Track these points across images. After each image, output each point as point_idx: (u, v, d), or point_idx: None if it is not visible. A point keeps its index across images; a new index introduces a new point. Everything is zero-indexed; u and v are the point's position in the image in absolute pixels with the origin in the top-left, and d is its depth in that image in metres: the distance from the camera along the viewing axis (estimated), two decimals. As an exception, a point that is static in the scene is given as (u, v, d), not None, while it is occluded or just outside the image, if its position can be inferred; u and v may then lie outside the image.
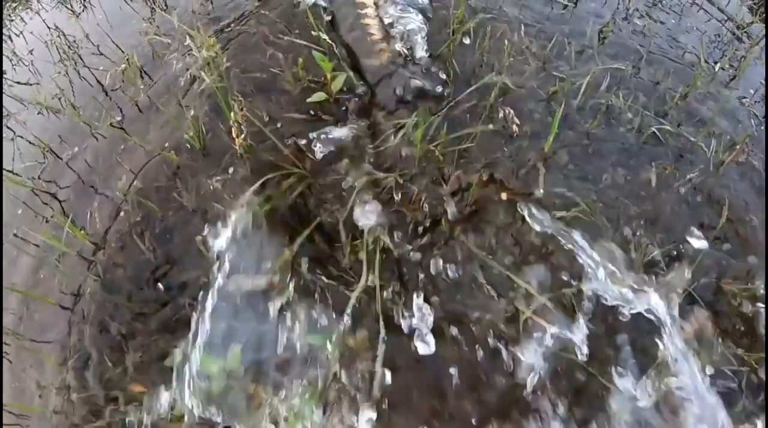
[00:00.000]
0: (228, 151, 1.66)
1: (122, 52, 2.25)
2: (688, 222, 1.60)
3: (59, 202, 1.78)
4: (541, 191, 1.61)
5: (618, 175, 1.72)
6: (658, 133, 1.79)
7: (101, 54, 2.38)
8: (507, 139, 1.76)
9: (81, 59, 2.25)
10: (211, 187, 1.59)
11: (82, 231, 1.64)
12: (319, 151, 1.62)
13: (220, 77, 1.57)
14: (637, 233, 1.55)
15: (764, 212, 1.68)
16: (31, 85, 2.52)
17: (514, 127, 1.76)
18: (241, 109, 1.52)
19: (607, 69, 1.96)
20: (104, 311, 1.51)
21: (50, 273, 1.65)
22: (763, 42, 2.33)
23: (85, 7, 2.92)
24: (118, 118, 1.95)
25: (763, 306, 1.43)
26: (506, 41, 1.99)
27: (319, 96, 1.72)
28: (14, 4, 3.40)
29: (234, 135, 1.52)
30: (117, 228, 1.62)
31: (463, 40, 2.03)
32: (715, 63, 2.21)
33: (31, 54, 2.62)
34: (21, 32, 2.94)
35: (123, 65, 2.07)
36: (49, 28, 2.68)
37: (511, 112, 1.77)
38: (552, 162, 1.72)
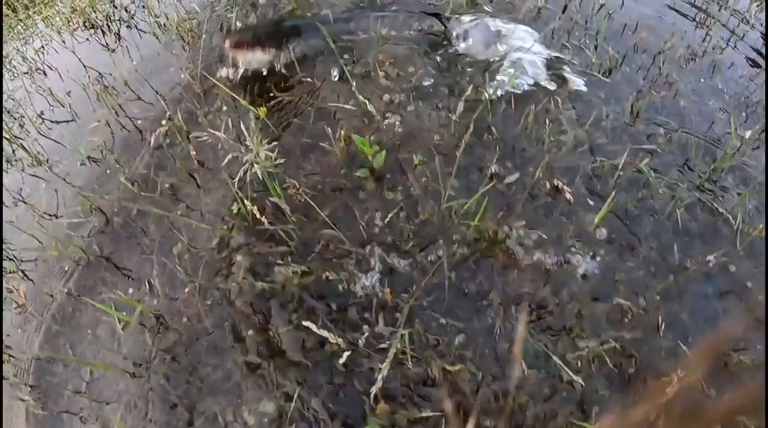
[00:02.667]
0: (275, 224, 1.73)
1: (165, 106, 2.30)
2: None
3: (115, 267, 1.85)
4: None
5: (649, 250, 1.80)
6: (688, 209, 1.85)
7: (139, 98, 2.44)
8: (552, 209, 1.84)
9: (122, 109, 2.29)
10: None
11: (139, 302, 1.71)
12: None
13: (270, 162, 1.63)
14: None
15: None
16: (68, 122, 2.59)
17: (568, 196, 1.82)
18: (296, 189, 1.58)
19: (642, 148, 2.02)
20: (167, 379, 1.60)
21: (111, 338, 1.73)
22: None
23: (119, 41, 2.97)
24: (168, 185, 2.01)
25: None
26: (546, 111, 2.05)
27: (363, 172, 1.79)
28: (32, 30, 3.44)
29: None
30: (177, 296, 1.70)
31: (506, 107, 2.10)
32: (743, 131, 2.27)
33: (69, 96, 2.66)
34: (56, 68, 2.98)
35: (165, 125, 2.11)
36: (85, 66, 2.72)
37: (563, 184, 1.83)
38: (592, 235, 1.80)
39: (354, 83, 2.01)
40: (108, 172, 2.18)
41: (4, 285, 1.94)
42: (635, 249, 1.75)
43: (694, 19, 2.73)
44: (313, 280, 1.64)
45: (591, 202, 1.86)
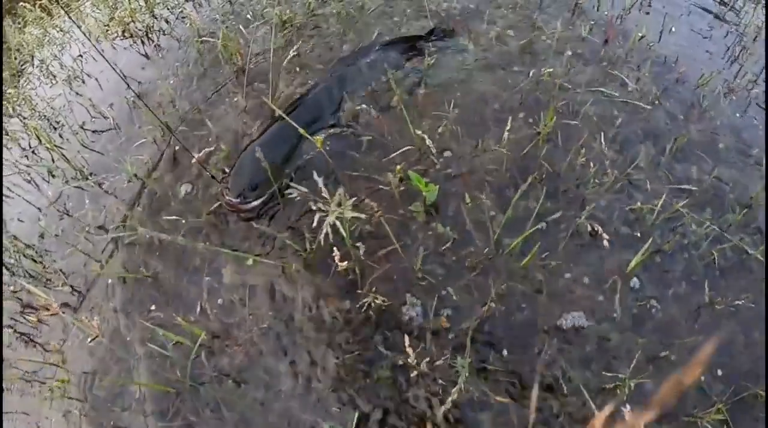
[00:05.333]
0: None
1: (211, 126, 2.33)
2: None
3: (163, 286, 1.89)
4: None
5: (680, 294, 1.82)
6: (721, 249, 1.87)
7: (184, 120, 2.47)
8: (591, 249, 1.87)
9: (168, 128, 2.32)
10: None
11: (191, 323, 1.74)
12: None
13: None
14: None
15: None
16: (111, 135, 2.62)
17: (605, 243, 1.85)
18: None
19: (679, 187, 2.04)
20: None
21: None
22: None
23: (160, 54, 3.00)
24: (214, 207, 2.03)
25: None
26: (587, 148, 2.08)
27: (416, 207, 1.83)
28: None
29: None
30: (230, 320, 1.73)
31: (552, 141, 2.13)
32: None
33: (111, 108, 2.70)
34: (96, 77, 3.03)
35: (220, 151, 2.15)
36: (124, 77, 2.74)
37: (600, 229, 1.86)
38: (627, 279, 1.83)
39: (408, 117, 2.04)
40: (154, 190, 2.21)
41: (73, 316, 1.96)
42: (668, 288, 1.78)
43: (728, 53, 2.75)
44: (369, 307, 1.68)
45: (628, 243, 1.89)
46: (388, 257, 1.74)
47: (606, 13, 2.78)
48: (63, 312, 1.84)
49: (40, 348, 2.08)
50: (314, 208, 1.49)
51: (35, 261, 2.28)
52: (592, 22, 2.65)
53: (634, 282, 1.80)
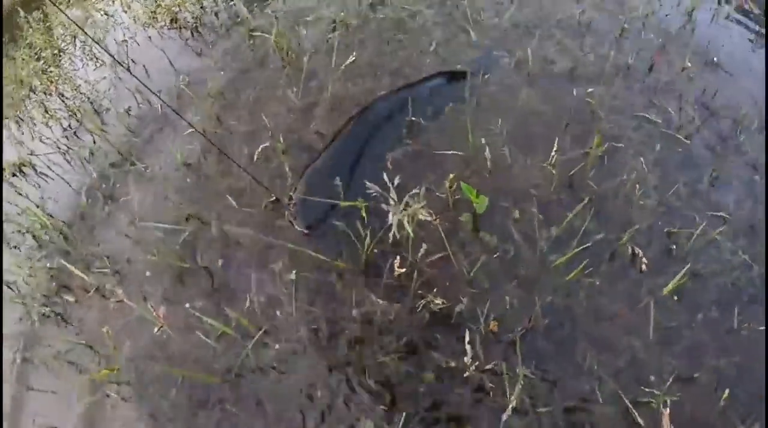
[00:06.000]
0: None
1: (266, 121, 2.33)
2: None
3: (212, 278, 1.91)
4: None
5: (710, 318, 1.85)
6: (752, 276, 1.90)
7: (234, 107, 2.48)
8: (630, 269, 1.91)
9: (218, 119, 2.36)
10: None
11: (244, 319, 1.76)
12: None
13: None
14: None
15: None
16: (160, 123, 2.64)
17: (643, 267, 1.90)
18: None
19: (715, 215, 2.07)
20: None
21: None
22: None
23: (207, 44, 3.03)
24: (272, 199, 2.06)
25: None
26: (630, 171, 2.12)
27: (466, 217, 1.87)
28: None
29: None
30: (276, 314, 1.76)
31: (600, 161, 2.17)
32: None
33: (159, 95, 2.70)
34: (143, 64, 3.05)
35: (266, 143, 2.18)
36: (175, 69, 2.77)
37: (641, 252, 1.91)
38: (662, 301, 1.87)
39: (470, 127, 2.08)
40: (205, 181, 2.24)
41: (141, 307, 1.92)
42: (699, 311, 1.82)
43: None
44: (424, 308, 1.71)
45: (665, 265, 1.93)
46: (440, 262, 1.78)
47: (652, 37, 2.83)
48: (126, 301, 1.83)
49: (73, 328, 2.10)
50: (385, 207, 1.52)
51: (67, 239, 2.30)
52: (639, 48, 2.71)
53: (668, 304, 1.85)
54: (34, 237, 2.39)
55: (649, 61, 2.68)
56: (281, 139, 2.22)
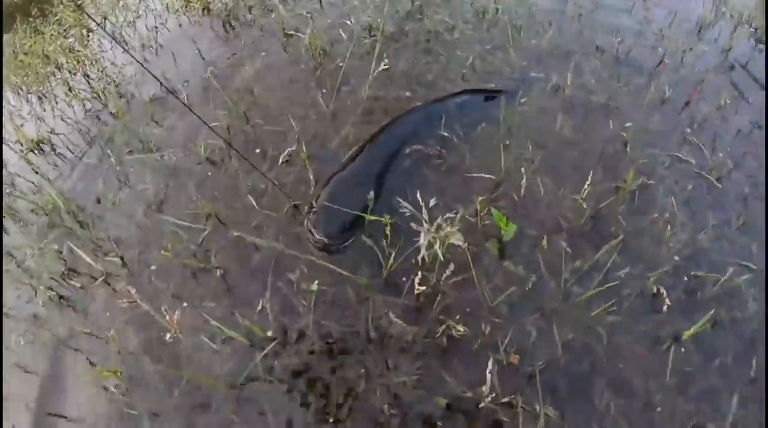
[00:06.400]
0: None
1: (294, 125, 2.28)
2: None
3: (225, 281, 1.87)
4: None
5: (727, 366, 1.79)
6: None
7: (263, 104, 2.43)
8: (652, 310, 1.86)
9: (245, 115, 2.32)
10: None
11: (256, 326, 1.71)
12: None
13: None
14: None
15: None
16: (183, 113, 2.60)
17: (665, 308, 1.85)
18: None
19: (740, 263, 1.99)
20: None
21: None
22: None
23: (239, 37, 3.00)
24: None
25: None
26: (660, 209, 2.07)
27: (493, 243, 1.82)
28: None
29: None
30: (292, 325, 1.71)
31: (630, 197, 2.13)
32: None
33: (186, 85, 2.70)
34: (172, 51, 3.03)
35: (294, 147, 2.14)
36: (204, 59, 2.74)
37: (665, 292, 1.86)
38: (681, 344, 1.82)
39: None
40: (228, 178, 2.19)
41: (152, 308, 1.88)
42: (716, 358, 1.76)
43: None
44: (443, 333, 1.67)
45: (687, 308, 1.87)
46: (462, 285, 1.73)
47: (688, 73, 2.79)
48: (138, 301, 1.78)
49: (77, 313, 2.06)
50: (415, 227, 1.47)
51: (83, 225, 2.27)
52: (675, 82, 2.66)
53: (688, 348, 1.80)
54: (47, 215, 2.37)
55: (684, 96, 2.64)
56: (308, 143, 2.18)
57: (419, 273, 1.61)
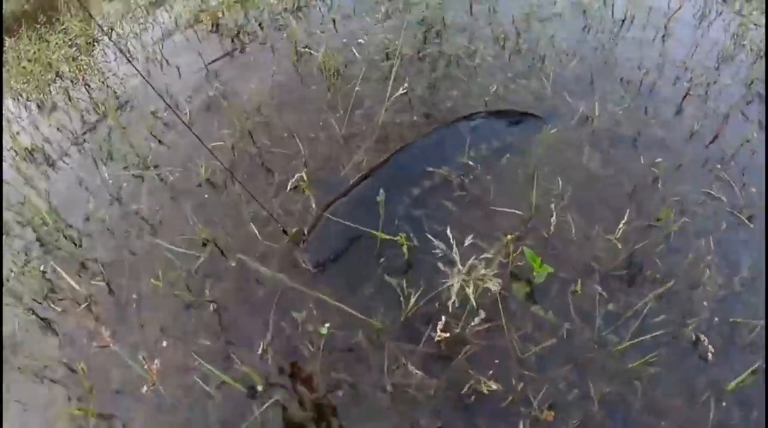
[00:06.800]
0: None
1: (301, 147, 2.14)
2: None
3: (218, 316, 1.68)
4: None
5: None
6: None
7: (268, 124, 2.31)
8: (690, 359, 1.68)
9: (250, 135, 2.18)
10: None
11: (250, 370, 1.52)
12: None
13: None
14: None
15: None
16: (184, 130, 2.46)
17: (709, 355, 1.68)
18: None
19: None
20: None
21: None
22: None
23: (248, 54, 2.90)
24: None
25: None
26: (697, 251, 1.92)
27: (518, 288, 1.67)
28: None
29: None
30: (293, 370, 1.52)
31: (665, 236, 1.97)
32: None
33: (190, 101, 2.57)
34: (177, 65, 2.92)
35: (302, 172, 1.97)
36: (207, 70, 2.59)
37: (706, 339, 1.69)
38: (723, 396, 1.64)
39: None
40: (229, 202, 2.03)
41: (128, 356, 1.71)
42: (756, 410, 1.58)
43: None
44: (468, 390, 1.48)
45: (727, 359, 1.69)
46: (488, 333, 1.55)
47: (714, 106, 2.67)
48: (111, 346, 1.61)
49: (57, 339, 1.86)
50: (444, 269, 1.31)
51: (74, 243, 2.10)
52: (702, 115, 2.54)
53: (727, 400, 1.61)
54: (34, 230, 2.20)
55: (712, 130, 2.52)
56: (317, 168, 2.04)
57: (443, 317, 1.43)
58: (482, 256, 1.30)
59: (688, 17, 3.12)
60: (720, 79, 2.80)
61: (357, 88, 2.42)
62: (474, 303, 1.38)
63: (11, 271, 2.03)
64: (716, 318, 1.78)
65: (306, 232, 1.84)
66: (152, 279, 1.78)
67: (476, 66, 2.59)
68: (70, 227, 2.18)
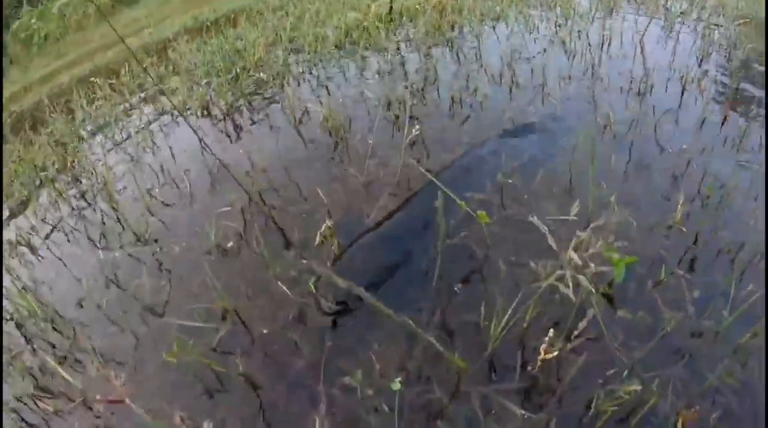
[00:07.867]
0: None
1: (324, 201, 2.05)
2: None
3: (257, 394, 1.41)
4: None
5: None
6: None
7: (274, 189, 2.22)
8: None
9: (261, 198, 2.06)
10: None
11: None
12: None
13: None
14: None
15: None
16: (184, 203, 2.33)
17: None
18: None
19: None
20: None
21: None
22: None
23: (238, 132, 2.92)
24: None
25: None
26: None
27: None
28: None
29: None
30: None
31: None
32: None
33: (186, 175, 2.47)
34: (170, 146, 2.88)
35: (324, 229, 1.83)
36: (200, 140, 2.52)
37: None
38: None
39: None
40: (244, 267, 1.84)
41: None
42: None
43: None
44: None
45: None
46: (585, 346, 1.33)
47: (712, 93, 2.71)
48: None
49: None
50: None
51: (62, 333, 1.81)
52: (705, 104, 2.54)
53: None
54: (17, 326, 1.90)
55: (718, 114, 2.44)
56: (340, 220, 1.91)
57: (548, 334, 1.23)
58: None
59: (658, 31, 3.49)
60: (708, 73, 2.88)
61: (359, 142, 2.42)
62: (596, 309, 1.21)
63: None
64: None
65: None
66: (165, 356, 1.50)
67: (480, 102, 2.68)
68: (60, 317, 1.90)
